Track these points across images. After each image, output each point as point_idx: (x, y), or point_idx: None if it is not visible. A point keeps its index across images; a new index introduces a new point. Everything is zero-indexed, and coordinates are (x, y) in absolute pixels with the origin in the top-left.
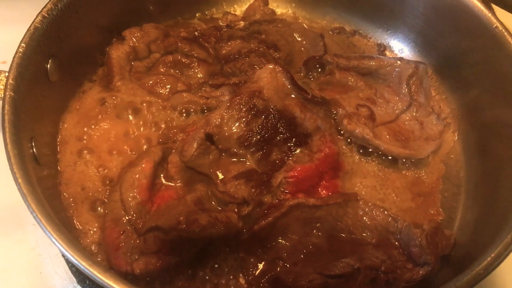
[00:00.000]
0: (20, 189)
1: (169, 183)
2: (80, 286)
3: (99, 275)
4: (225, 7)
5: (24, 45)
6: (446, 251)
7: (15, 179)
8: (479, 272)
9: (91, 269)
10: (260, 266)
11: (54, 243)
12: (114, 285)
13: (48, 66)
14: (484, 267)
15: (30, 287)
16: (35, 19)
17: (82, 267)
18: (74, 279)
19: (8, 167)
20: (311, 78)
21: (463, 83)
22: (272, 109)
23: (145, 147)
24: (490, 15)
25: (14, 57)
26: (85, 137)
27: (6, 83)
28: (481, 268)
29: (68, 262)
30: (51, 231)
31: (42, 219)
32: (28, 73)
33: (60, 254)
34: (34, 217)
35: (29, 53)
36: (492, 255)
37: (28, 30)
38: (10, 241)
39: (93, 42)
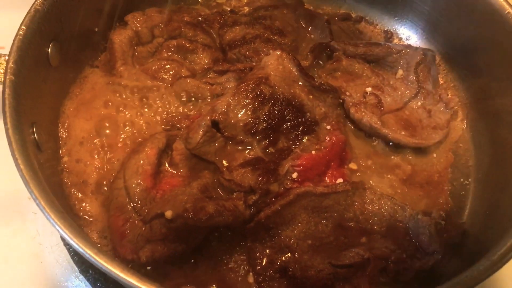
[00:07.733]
0: (22, 175)
1: (174, 171)
2: (83, 275)
3: (105, 264)
4: None
5: (24, 27)
6: (456, 239)
7: (17, 165)
8: (494, 262)
9: (97, 258)
10: (268, 255)
11: (58, 231)
12: (120, 273)
13: (49, 50)
14: (500, 257)
15: (31, 276)
16: (35, 1)
17: (88, 256)
18: (76, 268)
19: (7, 154)
20: (318, 65)
21: (472, 71)
22: (279, 96)
23: (148, 133)
24: (502, 0)
25: (14, 40)
26: (86, 124)
27: (6, 67)
28: (497, 257)
29: (70, 251)
30: (54, 219)
31: (46, 206)
32: (29, 57)
33: (62, 243)
34: (37, 204)
35: (29, 36)
36: (508, 244)
37: (28, 12)
38: (10, 230)
39: (95, 26)
